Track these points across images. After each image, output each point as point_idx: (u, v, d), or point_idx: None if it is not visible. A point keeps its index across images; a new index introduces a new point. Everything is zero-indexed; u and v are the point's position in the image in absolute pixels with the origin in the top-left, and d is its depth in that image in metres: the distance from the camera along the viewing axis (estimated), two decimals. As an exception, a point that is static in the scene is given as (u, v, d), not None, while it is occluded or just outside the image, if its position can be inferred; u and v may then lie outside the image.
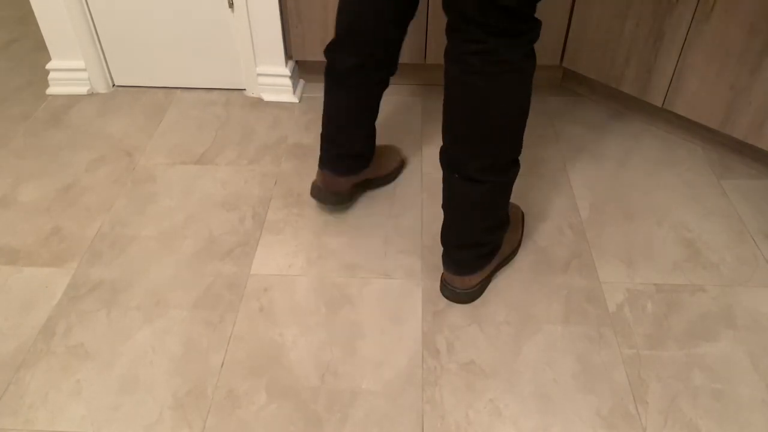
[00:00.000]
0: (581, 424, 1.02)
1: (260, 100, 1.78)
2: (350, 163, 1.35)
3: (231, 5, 1.64)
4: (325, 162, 1.34)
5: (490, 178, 1.09)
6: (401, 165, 1.51)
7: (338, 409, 1.05)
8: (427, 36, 1.70)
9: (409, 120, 1.69)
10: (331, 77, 1.26)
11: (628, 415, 1.03)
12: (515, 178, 1.15)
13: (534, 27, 0.99)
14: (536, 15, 1.61)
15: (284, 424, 1.03)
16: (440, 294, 1.23)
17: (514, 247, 1.30)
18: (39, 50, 2.01)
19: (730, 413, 1.04)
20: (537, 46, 1.69)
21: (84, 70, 1.78)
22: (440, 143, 1.12)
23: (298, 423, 1.03)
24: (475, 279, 1.20)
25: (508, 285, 1.25)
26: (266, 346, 1.14)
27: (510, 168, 1.12)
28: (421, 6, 1.64)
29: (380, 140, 1.56)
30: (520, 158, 1.13)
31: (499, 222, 1.19)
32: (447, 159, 1.11)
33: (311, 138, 1.64)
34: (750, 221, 1.39)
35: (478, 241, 1.17)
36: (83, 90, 1.81)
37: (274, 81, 1.76)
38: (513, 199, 1.44)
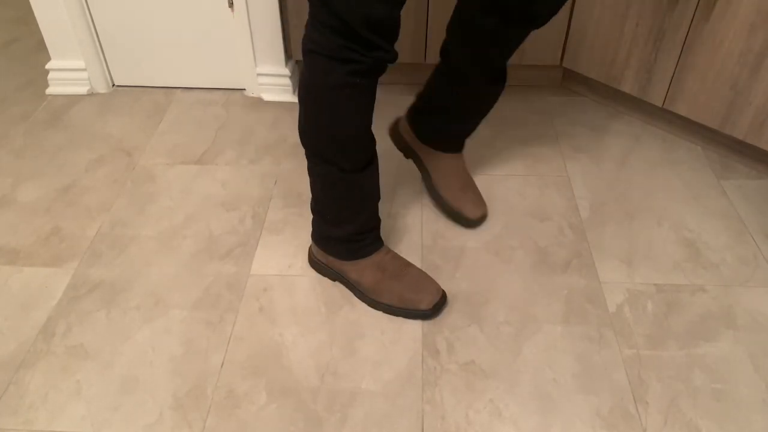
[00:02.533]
0: (581, 424, 1.02)
1: (260, 100, 1.78)
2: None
3: (231, 5, 1.64)
4: None
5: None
6: None
7: (338, 409, 1.05)
8: (427, 36, 1.70)
9: (409, 120, 1.69)
10: None
11: (628, 415, 1.03)
12: (316, 180, 1.15)
13: None
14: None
15: (284, 424, 1.03)
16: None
17: (377, 296, 1.19)
18: (39, 50, 2.01)
19: (730, 413, 1.04)
20: (537, 45, 1.69)
21: (84, 70, 1.78)
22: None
23: (298, 423, 1.03)
24: (312, 248, 1.27)
25: (508, 285, 1.25)
26: (266, 346, 1.14)
27: (310, 162, 1.13)
28: (422, 6, 1.65)
29: (380, 140, 1.56)
30: (331, 165, 1.09)
31: (313, 206, 1.20)
32: None
33: (311, 138, 1.64)
34: (750, 221, 1.39)
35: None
36: (83, 90, 1.81)
37: (274, 81, 1.76)
38: (509, 199, 1.44)
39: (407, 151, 1.44)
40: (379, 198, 1.19)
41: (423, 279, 1.20)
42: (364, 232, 1.19)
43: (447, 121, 1.34)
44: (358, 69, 0.97)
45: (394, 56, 0.98)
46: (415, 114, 1.39)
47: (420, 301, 1.17)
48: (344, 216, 1.16)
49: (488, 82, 1.23)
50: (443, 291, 1.20)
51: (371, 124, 1.08)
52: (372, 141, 1.10)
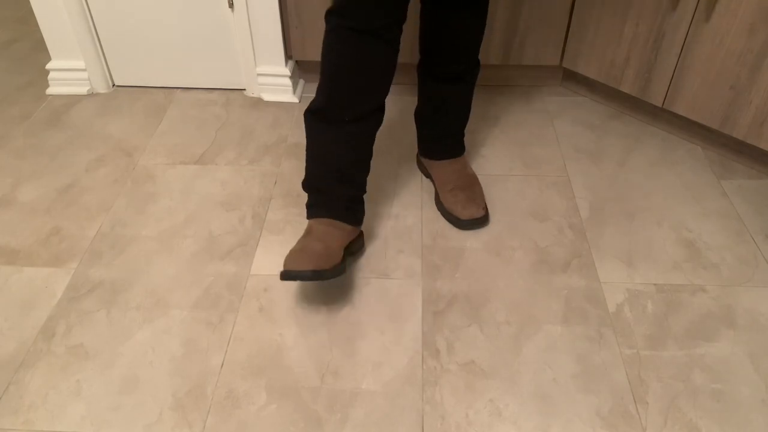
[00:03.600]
0: (581, 424, 1.02)
1: (260, 100, 1.79)
2: None
3: (231, 5, 1.64)
4: None
5: None
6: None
7: (338, 409, 1.05)
8: (427, 36, 1.69)
9: (409, 120, 1.69)
10: None
11: (628, 415, 1.03)
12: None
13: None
14: (537, 15, 1.63)
15: (284, 424, 1.03)
16: (440, 294, 1.23)
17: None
18: (39, 50, 2.01)
19: (730, 413, 1.04)
20: (537, 46, 1.69)
21: (84, 70, 1.78)
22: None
23: (298, 423, 1.03)
24: None
25: (508, 285, 1.25)
26: (266, 346, 1.14)
27: None
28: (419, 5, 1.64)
29: (380, 141, 1.57)
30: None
31: None
32: None
33: (311, 138, 1.64)
34: (750, 221, 1.39)
35: None
36: (83, 90, 1.81)
37: (274, 81, 1.76)
38: (509, 199, 1.45)
39: (425, 173, 1.50)
40: (330, 170, 1.20)
41: (303, 253, 1.14)
42: (311, 187, 1.23)
43: (429, 127, 1.42)
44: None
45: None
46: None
47: (284, 264, 1.14)
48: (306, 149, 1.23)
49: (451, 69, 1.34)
50: (306, 272, 1.11)
51: (359, 84, 1.14)
52: (355, 101, 1.15)
